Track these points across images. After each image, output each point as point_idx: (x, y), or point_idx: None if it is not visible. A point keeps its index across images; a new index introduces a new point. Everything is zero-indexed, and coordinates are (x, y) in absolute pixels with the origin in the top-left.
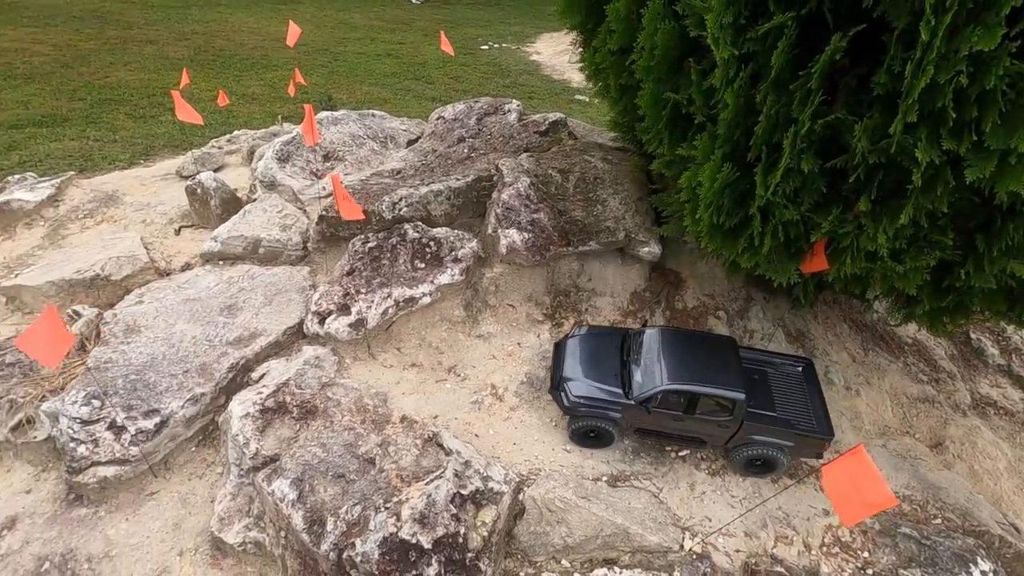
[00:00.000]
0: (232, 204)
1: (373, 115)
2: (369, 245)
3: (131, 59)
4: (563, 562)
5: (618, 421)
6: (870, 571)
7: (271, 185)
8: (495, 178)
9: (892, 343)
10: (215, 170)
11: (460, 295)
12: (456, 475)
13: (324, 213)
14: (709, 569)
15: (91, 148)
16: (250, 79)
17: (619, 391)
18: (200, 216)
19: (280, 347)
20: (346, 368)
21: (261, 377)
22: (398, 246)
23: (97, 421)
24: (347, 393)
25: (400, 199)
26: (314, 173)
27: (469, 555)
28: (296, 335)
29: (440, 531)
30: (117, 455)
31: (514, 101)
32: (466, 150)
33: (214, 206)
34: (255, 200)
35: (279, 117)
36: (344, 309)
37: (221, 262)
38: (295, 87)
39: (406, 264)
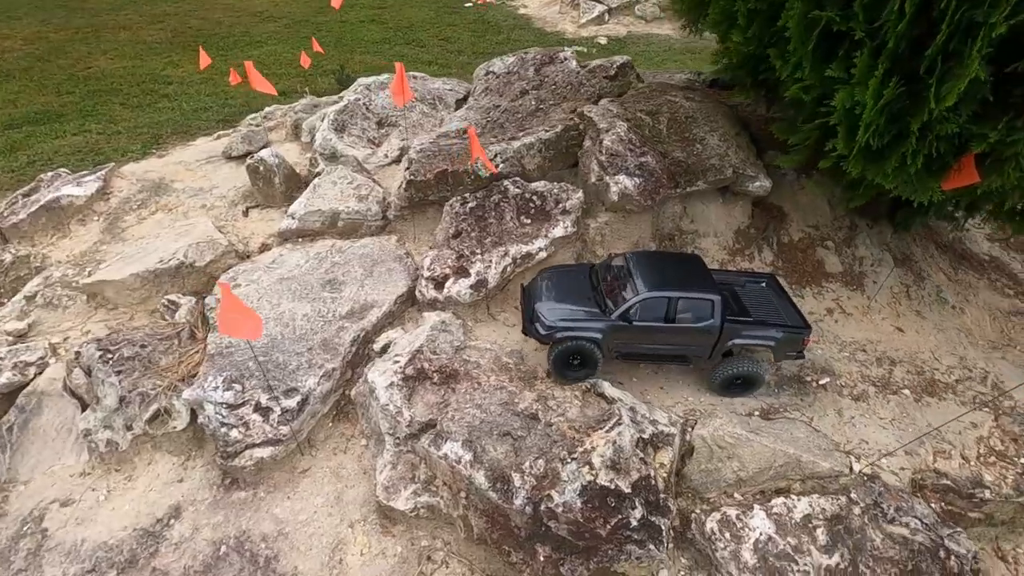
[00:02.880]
0: (293, 180)
1: (415, 77)
2: (470, 205)
3: (107, 47)
4: (735, 495)
5: (599, 341)
6: None
7: (332, 157)
8: (581, 127)
9: (973, 261)
10: (260, 147)
11: (571, 247)
12: (632, 420)
13: (412, 178)
14: (882, 488)
15: (97, 142)
16: (236, 57)
17: (597, 311)
18: (264, 195)
19: (393, 316)
20: (470, 330)
21: (385, 348)
22: (501, 203)
23: (243, 404)
24: (482, 354)
25: (495, 155)
26: (372, 141)
27: (661, 496)
28: (406, 303)
29: (635, 475)
30: (270, 436)
31: (567, 49)
32: (533, 102)
33: (278, 183)
34: (319, 173)
35: (305, 89)
36: (462, 271)
37: (300, 239)
38: (309, 58)
39: (513, 221)
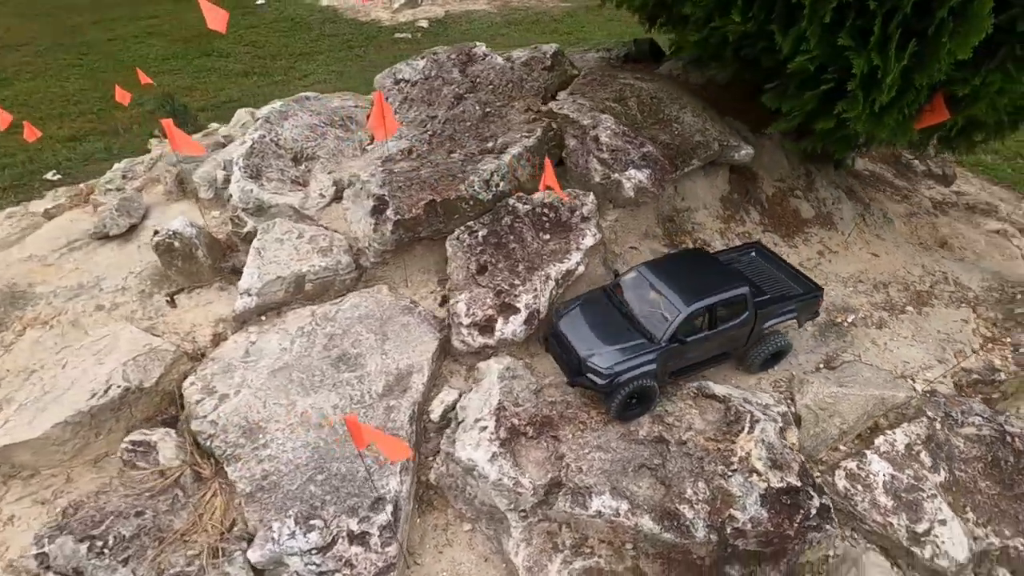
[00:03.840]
0: (215, 249)
1: (307, 98)
2: (481, 234)
3: None
4: (840, 448)
5: (655, 373)
6: (1022, 349)
7: (259, 210)
8: (555, 126)
9: (863, 177)
10: (142, 217)
11: (598, 253)
12: (764, 414)
13: (399, 218)
14: (944, 399)
15: None
16: None
17: (644, 341)
18: (186, 274)
19: (436, 377)
20: (533, 368)
21: (445, 415)
22: (516, 224)
23: (335, 542)
24: (565, 391)
25: (491, 174)
26: (296, 181)
27: (816, 476)
28: (441, 358)
29: (795, 466)
30: (380, 564)
31: (479, 43)
32: (476, 107)
33: (202, 257)
34: (249, 234)
35: (152, 132)
36: (508, 308)
37: (263, 317)
38: (128, 92)
39: (535, 240)
